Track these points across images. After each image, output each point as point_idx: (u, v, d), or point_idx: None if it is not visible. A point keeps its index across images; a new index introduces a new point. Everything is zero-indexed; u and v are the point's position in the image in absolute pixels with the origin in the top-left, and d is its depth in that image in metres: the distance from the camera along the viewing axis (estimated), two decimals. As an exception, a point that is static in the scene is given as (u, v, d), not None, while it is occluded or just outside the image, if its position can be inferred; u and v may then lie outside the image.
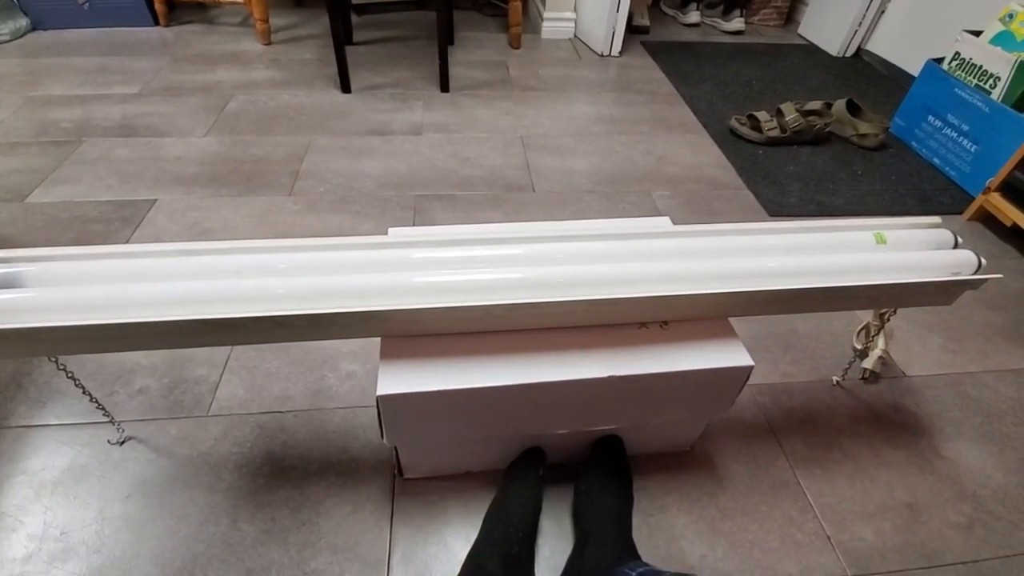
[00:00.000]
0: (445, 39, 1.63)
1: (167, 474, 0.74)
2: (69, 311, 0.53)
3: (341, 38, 1.57)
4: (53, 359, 0.63)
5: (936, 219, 0.71)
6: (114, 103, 1.56)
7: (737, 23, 2.23)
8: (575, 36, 2.15)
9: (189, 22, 2.09)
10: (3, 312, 0.53)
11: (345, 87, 1.66)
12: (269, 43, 1.96)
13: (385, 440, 0.63)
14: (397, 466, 0.74)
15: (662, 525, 0.71)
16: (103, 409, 0.73)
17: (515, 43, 2.03)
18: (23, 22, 1.94)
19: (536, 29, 2.18)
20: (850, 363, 0.90)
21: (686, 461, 0.78)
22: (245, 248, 0.61)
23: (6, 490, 0.71)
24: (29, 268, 0.57)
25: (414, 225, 1.18)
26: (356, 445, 0.78)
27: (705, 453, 0.80)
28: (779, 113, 1.51)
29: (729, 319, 0.66)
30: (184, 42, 1.95)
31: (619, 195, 1.32)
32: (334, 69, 1.68)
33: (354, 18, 2.08)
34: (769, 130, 1.48)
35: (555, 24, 2.12)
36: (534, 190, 1.32)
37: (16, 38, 1.91)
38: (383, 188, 1.29)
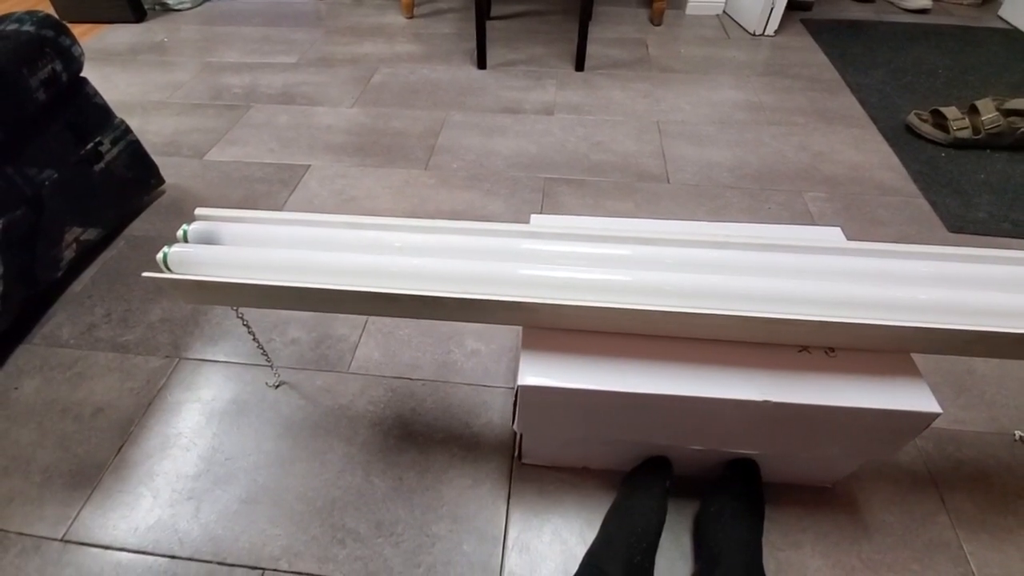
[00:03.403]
0: (587, 15, 1.57)
1: (312, 421, 0.81)
2: (254, 269, 0.59)
3: (484, 14, 1.58)
4: (234, 308, 0.72)
5: None
6: (276, 71, 1.71)
7: (923, 0, 1.92)
8: (724, 12, 1.98)
9: (341, -6, 2.22)
10: (204, 265, 0.60)
11: (481, 63, 1.68)
12: (412, 16, 2.02)
13: (515, 427, 0.64)
14: (517, 449, 0.75)
15: (793, 563, 0.66)
16: (266, 355, 0.81)
17: (656, 19, 1.92)
18: (202, -9, 2.18)
19: (681, 4, 2.03)
20: (1043, 418, 0.77)
21: (826, 499, 0.71)
22: (403, 226, 0.64)
23: (184, 413, 0.83)
24: (226, 227, 0.64)
25: (543, 208, 1.17)
26: (478, 422, 0.81)
27: (849, 494, 0.72)
28: (973, 110, 1.28)
29: (912, 355, 0.58)
30: (335, 14, 2.08)
31: (765, 193, 1.21)
32: (471, 44, 1.69)
33: (493, -8, 2.09)
34: (958, 130, 1.27)
35: (702, -1, 1.97)
36: (668, 181, 1.25)
37: (195, 6, 2.16)
38: (513, 168, 1.30)
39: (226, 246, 0.62)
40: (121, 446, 0.78)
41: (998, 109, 1.26)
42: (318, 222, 0.63)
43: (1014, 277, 0.58)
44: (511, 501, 0.72)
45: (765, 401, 0.54)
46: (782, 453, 0.65)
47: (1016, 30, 1.85)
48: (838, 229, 0.71)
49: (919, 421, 0.54)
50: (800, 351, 0.58)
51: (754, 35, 1.84)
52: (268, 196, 1.22)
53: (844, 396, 0.54)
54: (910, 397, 0.54)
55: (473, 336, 0.92)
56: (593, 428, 0.62)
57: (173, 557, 0.68)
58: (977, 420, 0.80)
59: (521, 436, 0.71)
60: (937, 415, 0.53)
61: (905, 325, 0.52)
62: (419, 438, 0.79)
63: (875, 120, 1.41)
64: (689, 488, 0.71)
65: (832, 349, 0.58)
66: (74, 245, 1.01)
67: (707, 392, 0.54)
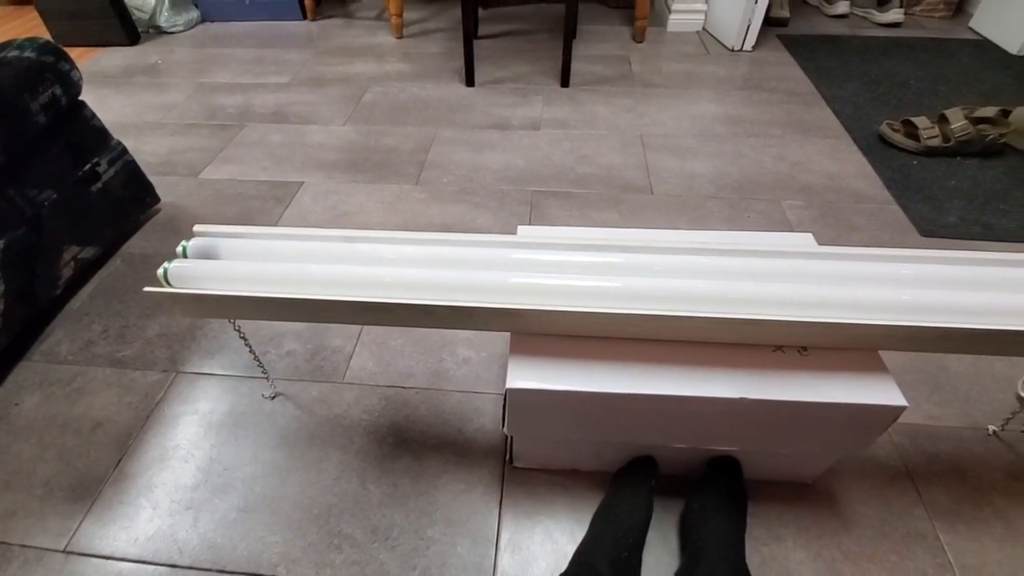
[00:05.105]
0: (571, 33, 1.63)
1: (308, 430, 0.83)
2: (252, 282, 0.62)
3: (471, 33, 1.63)
4: (232, 321, 0.74)
5: None
6: (269, 91, 1.75)
7: (895, 14, 2.00)
8: (703, 29, 2.05)
9: (331, 16, 2.28)
10: (203, 279, 0.63)
11: (470, 81, 1.73)
12: (401, 37, 2.07)
13: (505, 429, 0.67)
14: (508, 454, 0.77)
15: (776, 556, 0.68)
16: (262, 367, 0.83)
17: (639, 36, 1.98)
18: (195, 14, 2.23)
19: (662, 22, 2.10)
20: (1013, 413, 0.79)
21: (806, 494, 0.74)
22: (395, 239, 0.66)
23: (182, 426, 0.84)
24: (223, 242, 0.67)
25: (530, 220, 1.21)
26: (470, 428, 0.83)
27: (828, 489, 0.75)
28: (943, 119, 1.34)
29: (879, 352, 0.61)
30: (327, 35, 2.13)
31: (745, 203, 1.25)
32: (460, 63, 1.74)
33: (480, 12, 2.14)
34: (928, 138, 1.32)
35: (683, 16, 2.04)
36: (652, 192, 1.29)
37: (188, 29, 2.21)
38: (501, 182, 1.33)
39: (224, 260, 0.65)
40: (120, 459, 0.80)
41: (967, 117, 1.32)
42: (313, 236, 0.66)
43: (979, 277, 0.61)
44: (503, 504, 0.74)
45: (742, 398, 0.57)
46: (761, 449, 0.67)
47: (987, 41, 1.93)
48: (810, 235, 0.74)
49: (887, 414, 0.57)
50: (775, 350, 0.61)
51: (733, 51, 1.91)
52: (262, 213, 1.25)
53: (816, 392, 0.57)
54: (877, 392, 0.57)
55: (464, 345, 0.94)
56: (579, 429, 0.64)
57: (173, 566, 0.69)
58: (951, 415, 0.83)
59: (512, 440, 0.74)
60: (903, 408, 0.56)
61: (872, 323, 0.55)
62: (413, 445, 0.81)
63: (849, 131, 1.47)
64: (674, 486, 0.73)
65: (805, 348, 0.61)
66: (72, 263, 1.03)
67: (688, 391, 0.57)
